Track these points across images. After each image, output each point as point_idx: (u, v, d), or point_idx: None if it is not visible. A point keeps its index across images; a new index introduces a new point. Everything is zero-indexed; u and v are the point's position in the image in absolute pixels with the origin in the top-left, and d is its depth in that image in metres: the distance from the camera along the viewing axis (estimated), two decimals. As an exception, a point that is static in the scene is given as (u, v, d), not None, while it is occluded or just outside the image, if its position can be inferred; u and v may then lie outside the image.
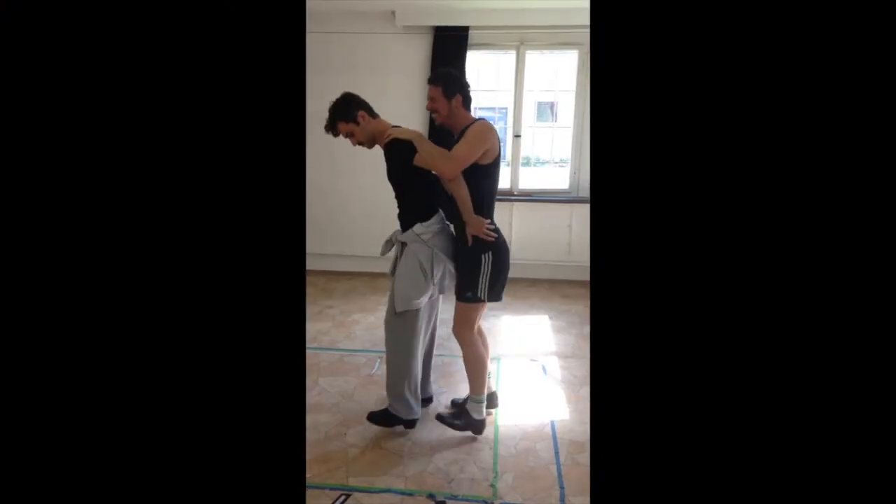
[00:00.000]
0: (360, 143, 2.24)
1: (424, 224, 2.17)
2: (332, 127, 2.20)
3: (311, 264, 4.59)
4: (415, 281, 2.16)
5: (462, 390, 2.66)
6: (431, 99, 2.15)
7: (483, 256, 2.13)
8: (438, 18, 4.08)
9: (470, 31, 4.10)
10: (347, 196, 4.51)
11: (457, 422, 2.29)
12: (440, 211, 2.25)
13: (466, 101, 2.17)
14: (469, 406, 2.29)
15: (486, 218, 2.14)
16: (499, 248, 2.16)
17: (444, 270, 2.23)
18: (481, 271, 2.13)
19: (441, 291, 2.29)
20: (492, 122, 2.15)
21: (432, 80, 2.17)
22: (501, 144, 2.16)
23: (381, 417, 2.31)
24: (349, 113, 2.17)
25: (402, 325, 2.21)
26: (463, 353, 2.27)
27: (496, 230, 2.16)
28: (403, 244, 2.22)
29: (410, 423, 2.32)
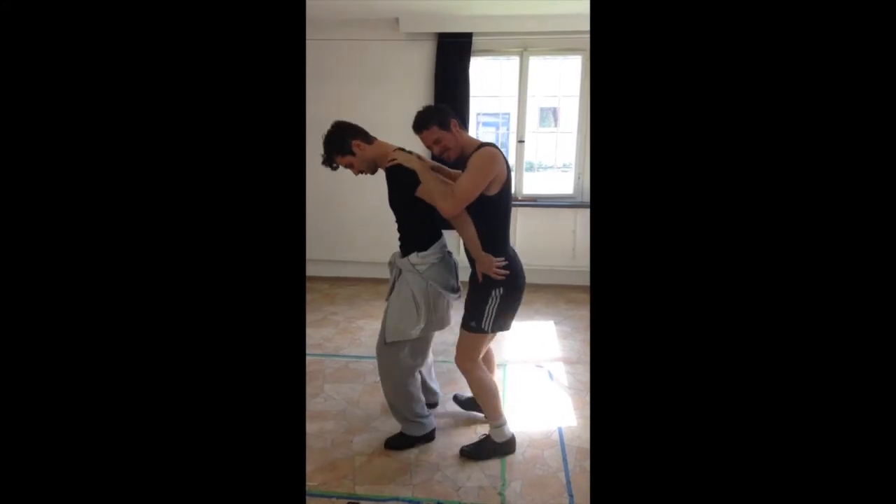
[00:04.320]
0: (362, 172, 2.13)
1: (421, 254, 2.06)
2: (329, 161, 2.09)
3: (314, 270, 4.59)
4: (407, 313, 2.07)
5: (467, 392, 2.65)
6: (436, 142, 1.98)
7: (493, 291, 2.02)
8: (442, 25, 4.09)
9: (473, 38, 4.11)
10: (350, 201, 4.52)
11: (486, 453, 2.18)
12: (442, 238, 2.14)
13: (461, 120, 2.04)
14: (492, 433, 2.20)
15: (500, 254, 2.01)
16: (510, 284, 2.03)
17: (444, 304, 2.13)
18: (489, 304, 2.03)
19: (441, 326, 2.19)
20: (498, 148, 1.98)
21: (423, 125, 1.98)
22: (510, 170, 2.01)
23: (398, 442, 2.24)
24: (343, 145, 2.05)
25: (394, 354, 2.14)
26: (468, 384, 2.19)
27: (511, 264, 2.02)
28: (398, 269, 2.13)
29: (429, 437, 2.27)
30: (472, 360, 2.13)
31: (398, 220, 2.11)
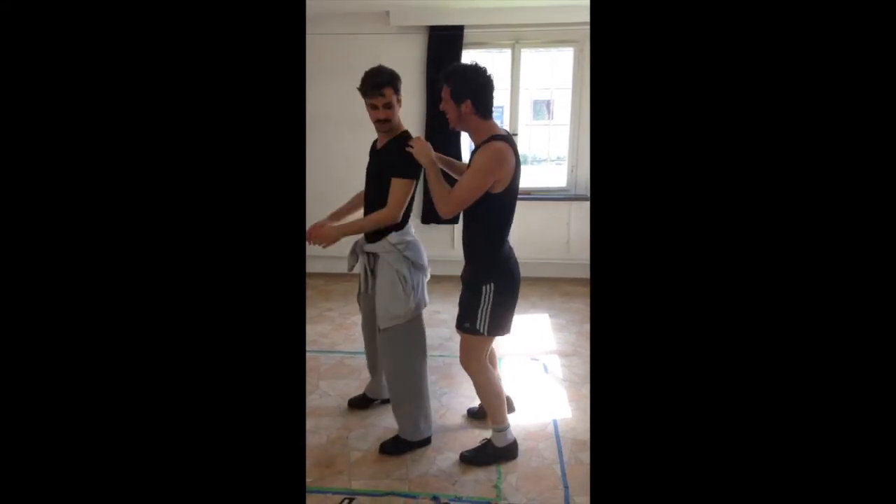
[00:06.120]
0: (381, 121, 2.01)
1: (399, 233, 2.04)
2: (378, 87, 1.94)
3: (309, 266, 4.55)
4: (394, 294, 2.04)
5: (465, 390, 2.65)
6: (442, 100, 1.91)
7: (484, 287, 1.93)
8: (433, 18, 4.07)
9: (465, 31, 4.08)
10: (345, 198, 4.49)
11: (487, 459, 2.12)
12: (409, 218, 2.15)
13: (480, 106, 1.85)
14: (493, 437, 2.15)
15: (497, 252, 1.95)
16: (503, 279, 1.96)
17: (421, 282, 2.12)
18: (481, 302, 1.94)
19: (421, 307, 2.16)
20: (509, 141, 1.86)
21: (443, 79, 1.88)
22: (519, 165, 1.90)
23: (392, 447, 2.20)
24: (398, 89, 1.99)
25: (393, 342, 2.11)
26: (473, 384, 2.13)
27: (505, 264, 1.97)
28: (372, 256, 2.10)
29: (424, 443, 2.22)
30: (475, 360, 2.05)
31: (380, 196, 2.04)
